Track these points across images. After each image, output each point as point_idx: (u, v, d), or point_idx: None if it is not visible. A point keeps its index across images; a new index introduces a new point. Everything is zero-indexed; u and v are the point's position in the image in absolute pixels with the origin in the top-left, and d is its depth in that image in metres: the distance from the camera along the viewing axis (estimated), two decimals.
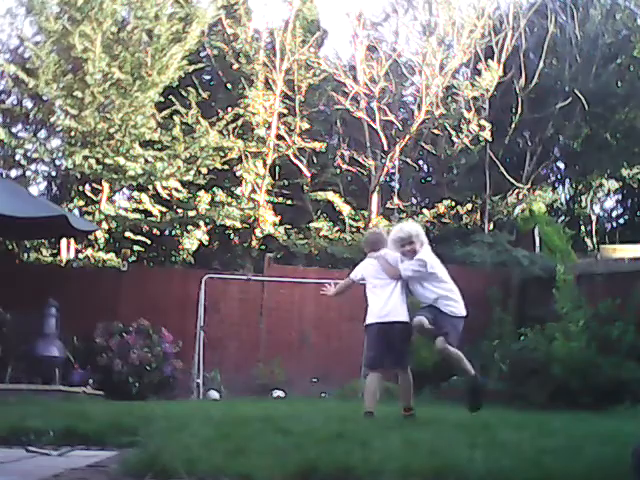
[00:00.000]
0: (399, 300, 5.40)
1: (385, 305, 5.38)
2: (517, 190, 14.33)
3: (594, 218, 16.77)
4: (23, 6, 12.07)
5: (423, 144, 14.54)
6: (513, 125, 14.23)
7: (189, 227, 13.51)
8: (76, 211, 13.23)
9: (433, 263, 5.41)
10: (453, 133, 14.00)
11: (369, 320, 5.45)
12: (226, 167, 13.64)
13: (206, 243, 13.79)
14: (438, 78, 13.69)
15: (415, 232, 5.43)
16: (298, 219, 14.47)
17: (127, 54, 12.01)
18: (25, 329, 9.11)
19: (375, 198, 14.31)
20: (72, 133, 12.09)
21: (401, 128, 14.42)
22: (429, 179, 16.60)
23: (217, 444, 3.45)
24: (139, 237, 12.95)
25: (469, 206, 14.61)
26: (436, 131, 14.38)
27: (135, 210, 13.02)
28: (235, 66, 14.25)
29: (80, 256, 12.82)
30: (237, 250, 14.39)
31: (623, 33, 15.25)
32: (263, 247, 13.86)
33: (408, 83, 15.16)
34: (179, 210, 13.33)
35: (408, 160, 14.64)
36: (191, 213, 13.27)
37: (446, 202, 13.96)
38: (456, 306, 5.41)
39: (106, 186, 12.66)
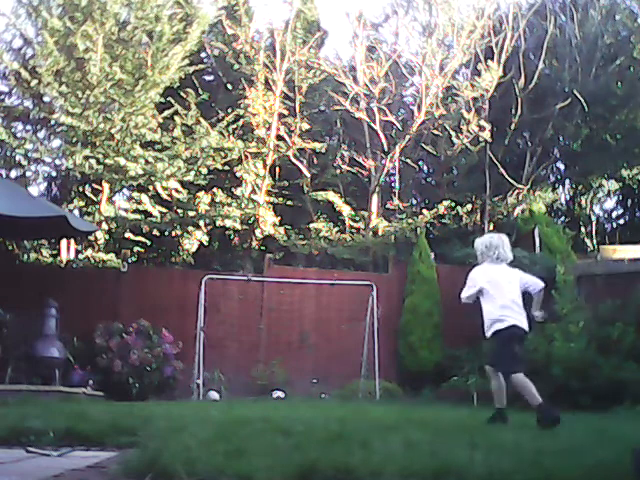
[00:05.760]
0: None
1: None
2: (517, 191, 14.32)
3: (594, 219, 16.78)
4: (27, 5, 12.08)
5: (423, 145, 14.52)
6: (513, 126, 14.21)
7: (189, 228, 13.51)
8: (76, 212, 13.23)
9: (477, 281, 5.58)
10: (453, 134, 13.98)
11: None
12: (226, 168, 13.65)
13: (206, 244, 13.79)
14: (438, 79, 13.70)
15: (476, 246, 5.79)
16: (298, 220, 14.47)
17: (128, 54, 12.02)
18: (25, 330, 9.12)
19: (375, 199, 14.31)
20: (73, 132, 12.09)
21: (401, 129, 14.43)
22: (429, 180, 16.58)
23: (217, 445, 3.45)
24: (139, 238, 12.96)
25: (469, 207, 14.59)
26: (436, 132, 14.36)
27: (135, 211, 13.02)
28: (235, 67, 14.26)
29: (80, 257, 12.81)
30: (237, 251, 14.40)
31: (623, 34, 15.22)
32: (263, 248, 13.86)
33: (408, 84, 15.16)
34: (179, 211, 13.32)
35: (408, 161, 14.63)
36: (191, 214, 13.27)
37: (446, 203, 13.94)
38: (486, 326, 5.59)
39: (106, 187, 12.66)
